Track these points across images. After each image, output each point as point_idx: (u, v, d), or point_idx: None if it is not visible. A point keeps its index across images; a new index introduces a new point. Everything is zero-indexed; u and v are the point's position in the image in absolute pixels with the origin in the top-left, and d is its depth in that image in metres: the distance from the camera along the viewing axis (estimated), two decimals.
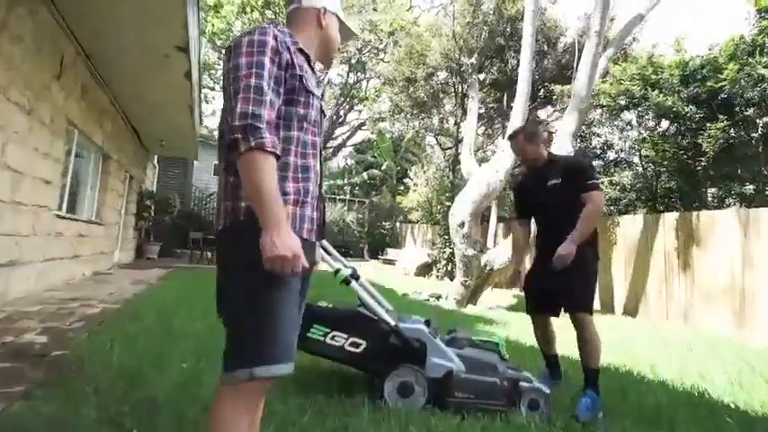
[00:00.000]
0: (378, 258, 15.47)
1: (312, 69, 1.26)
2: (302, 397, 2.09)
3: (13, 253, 4.07)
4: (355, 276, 2.52)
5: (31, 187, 4.33)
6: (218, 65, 22.58)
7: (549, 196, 2.44)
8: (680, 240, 6.52)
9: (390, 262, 14.14)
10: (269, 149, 0.98)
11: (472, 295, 6.86)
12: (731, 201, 6.73)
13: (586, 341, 2.24)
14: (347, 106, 25.56)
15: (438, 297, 7.55)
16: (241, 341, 1.02)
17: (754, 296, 5.57)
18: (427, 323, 2.47)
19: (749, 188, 6.19)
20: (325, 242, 2.65)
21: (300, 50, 1.21)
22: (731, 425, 2.08)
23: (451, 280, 8.74)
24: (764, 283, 5.46)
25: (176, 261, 10.56)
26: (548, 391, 2.12)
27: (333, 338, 2.20)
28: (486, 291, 7.17)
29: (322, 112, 1.32)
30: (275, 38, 1.09)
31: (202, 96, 23.47)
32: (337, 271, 2.20)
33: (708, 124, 6.00)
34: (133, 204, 9.99)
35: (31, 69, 4.12)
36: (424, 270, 11.78)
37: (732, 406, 2.43)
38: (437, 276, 11.28)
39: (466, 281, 6.74)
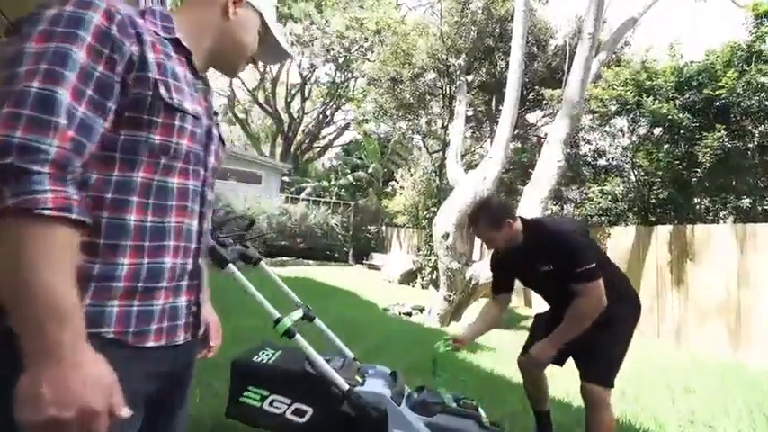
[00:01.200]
0: (363, 263, 15.01)
1: (196, 74, 0.81)
2: None
3: None
4: (309, 317, 2.09)
5: None
6: None
7: (546, 282, 2.00)
8: (673, 254, 6.22)
9: (375, 267, 13.70)
10: (52, 213, 0.54)
11: (456, 311, 6.47)
12: (725, 214, 6.46)
13: (597, 424, 1.79)
14: (334, 106, 25.14)
15: (421, 310, 7.15)
16: None
17: (751, 314, 5.28)
18: (393, 375, 2.04)
19: (746, 201, 5.92)
20: (266, 268, 2.22)
21: (173, 42, 0.75)
22: None
23: (437, 289, 8.36)
24: (762, 302, 5.18)
25: None
26: None
27: (272, 404, 1.75)
28: (472, 305, 6.79)
29: (218, 141, 0.87)
30: (108, 16, 0.63)
31: None
32: (277, 321, 1.75)
33: (704, 133, 5.71)
34: None
35: None
36: (409, 278, 11.37)
37: None
38: (422, 285, 10.88)
39: (450, 295, 6.35)
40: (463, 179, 6.88)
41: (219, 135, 0.90)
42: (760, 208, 5.75)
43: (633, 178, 7.39)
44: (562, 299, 1.90)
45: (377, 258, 14.51)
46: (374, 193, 18.01)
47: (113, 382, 0.57)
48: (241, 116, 26.72)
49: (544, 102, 9.76)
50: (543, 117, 11.40)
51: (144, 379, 0.69)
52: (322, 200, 16.58)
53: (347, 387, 1.72)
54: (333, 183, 19.55)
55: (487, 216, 1.89)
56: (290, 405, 1.75)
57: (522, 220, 1.94)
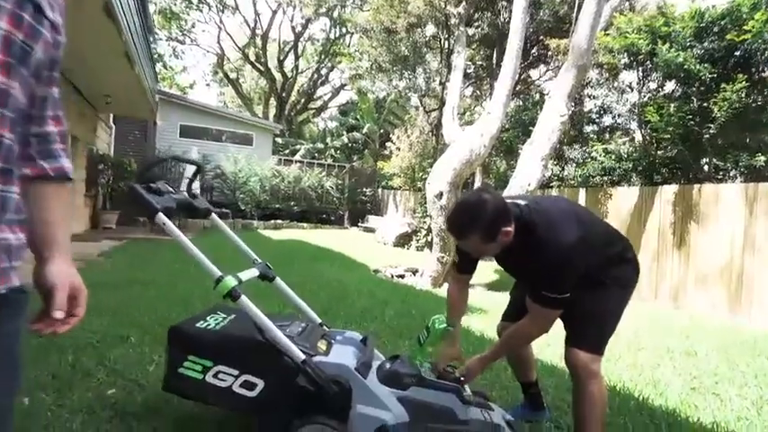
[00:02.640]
0: (358, 226, 14.79)
1: None
2: None
3: None
4: (268, 277, 1.81)
5: None
6: (187, 13, 20.63)
7: (523, 270, 1.71)
8: (677, 215, 5.93)
9: (371, 230, 13.48)
10: None
11: (449, 272, 6.26)
12: (735, 173, 6.11)
13: (586, 398, 1.52)
14: (329, 64, 23.99)
15: (415, 272, 6.97)
16: None
17: (753, 279, 5.07)
18: (364, 341, 1.79)
19: (761, 159, 5.55)
20: (217, 220, 1.92)
21: None
22: None
23: (431, 251, 8.15)
24: (764, 266, 4.95)
25: (135, 231, 9.66)
26: None
27: (217, 376, 1.50)
28: None
29: (22, 44, 0.59)
30: None
31: (168, 49, 21.50)
32: (219, 281, 1.46)
33: (723, 84, 5.23)
34: (81, 169, 8.92)
35: None
36: (404, 240, 11.16)
37: None
38: (417, 247, 10.69)
39: (442, 257, 6.11)
40: (459, 136, 6.46)
41: (26, 33, 0.55)
42: None
43: (640, 136, 6.96)
44: None
45: (372, 221, 14.27)
46: (370, 155, 17.51)
47: None
48: (232, 75, 25.56)
49: (549, 55, 9.11)
50: (547, 72, 10.74)
51: None
52: (317, 161, 16.08)
53: (303, 357, 1.45)
54: (328, 144, 18.96)
55: (482, 227, 1.42)
56: (237, 377, 1.50)
57: (517, 216, 1.49)
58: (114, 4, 4.57)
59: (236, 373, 1.50)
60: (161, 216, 1.48)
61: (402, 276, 6.80)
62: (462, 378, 1.60)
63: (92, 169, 9.33)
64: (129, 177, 10.43)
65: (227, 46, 24.03)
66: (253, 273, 1.73)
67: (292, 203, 14.22)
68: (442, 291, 5.62)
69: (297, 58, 23.60)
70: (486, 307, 4.46)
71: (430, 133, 13.33)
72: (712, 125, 5.47)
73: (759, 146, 5.77)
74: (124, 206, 10.48)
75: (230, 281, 1.46)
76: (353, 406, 1.46)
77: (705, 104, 5.60)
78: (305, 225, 13.83)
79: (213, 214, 1.95)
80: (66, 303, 0.69)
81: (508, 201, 1.53)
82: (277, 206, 13.89)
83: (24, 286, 0.66)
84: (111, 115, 11.31)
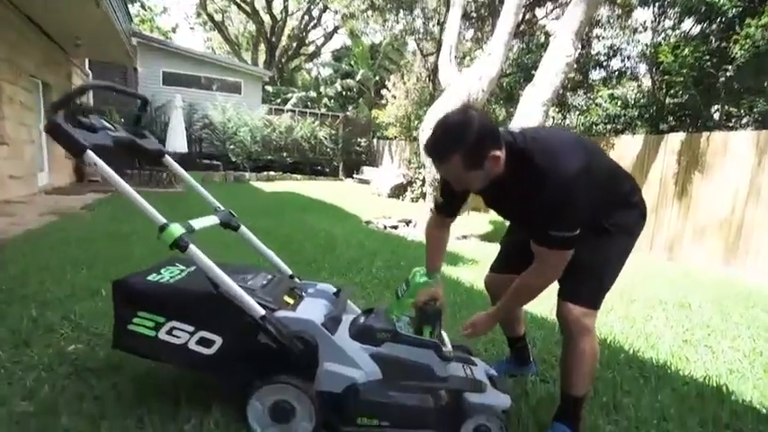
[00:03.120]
0: (353, 177, 14.51)
1: None
2: (121, 423, 1.32)
3: None
4: (231, 226, 1.63)
5: None
6: None
7: (518, 214, 1.46)
8: (681, 165, 5.70)
9: (366, 181, 13.23)
10: None
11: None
12: (748, 120, 5.78)
13: (575, 355, 1.37)
14: (320, 4, 22.33)
15: (408, 222, 6.85)
16: None
17: (753, 230, 4.96)
18: (337, 294, 1.65)
19: None
20: (171, 162, 1.70)
21: None
22: None
23: (426, 202, 7.98)
24: (765, 217, 4.81)
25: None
26: (506, 404, 1.39)
27: (171, 333, 1.36)
28: (461, 215, 6.44)
29: None
30: None
31: None
32: (162, 228, 1.27)
33: (747, 20, 4.77)
34: None
35: None
36: (399, 191, 10.96)
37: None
38: (412, 199, 10.51)
39: None
40: (456, 80, 6.03)
41: None
42: None
43: (649, 81, 6.53)
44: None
45: (367, 172, 13.98)
46: (364, 104, 16.80)
47: None
48: (217, 18, 23.85)
49: None
50: (554, 10, 9.94)
51: None
52: (309, 111, 15.43)
53: (262, 313, 1.29)
54: (321, 93, 18.12)
55: (465, 148, 1.17)
56: (193, 334, 1.35)
57: (509, 143, 1.26)
58: None
59: (191, 329, 1.36)
60: (90, 155, 1.25)
61: (395, 227, 6.68)
62: (467, 332, 1.46)
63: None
64: (135, 122, 9.97)
65: None
66: (211, 220, 1.54)
67: (285, 155, 13.83)
68: None
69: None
70: (479, 258, 4.36)
71: (427, 79, 12.67)
72: (730, 66, 5.07)
73: None
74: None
75: (176, 229, 1.27)
76: (320, 363, 1.34)
77: (724, 44, 5.15)
78: (298, 177, 13.54)
79: (167, 156, 1.72)
80: None
81: (501, 129, 1.29)
82: (269, 158, 13.50)
83: None
84: (87, 61, 10.59)
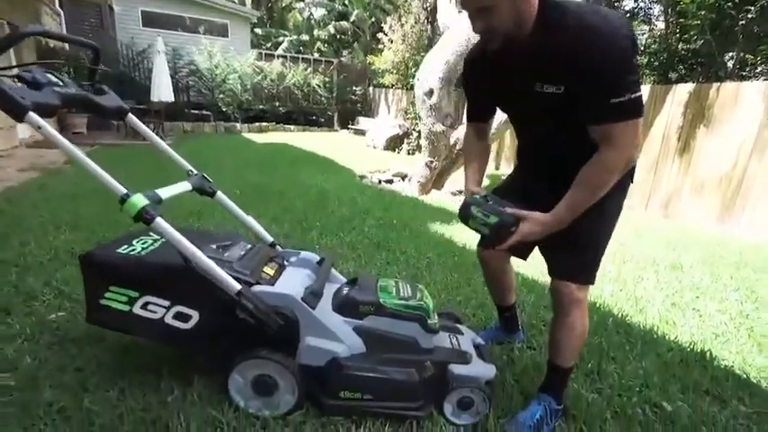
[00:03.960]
0: (348, 128, 14.09)
1: None
2: (103, 396, 1.30)
3: None
4: (206, 192, 1.53)
5: None
6: None
7: (536, 106, 1.17)
8: (686, 119, 5.49)
9: (362, 132, 12.85)
10: None
11: (438, 178, 6.01)
12: (765, 68, 5.47)
13: (566, 328, 1.32)
14: None
15: (403, 177, 6.72)
16: None
17: (752, 185, 4.88)
18: (320, 263, 1.59)
19: None
20: (135, 122, 1.56)
21: None
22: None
23: (421, 155, 7.79)
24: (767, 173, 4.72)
25: (107, 136, 9.00)
26: (490, 374, 1.39)
27: (146, 307, 1.31)
28: (455, 172, 6.30)
29: None
30: None
31: None
32: (123, 200, 1.17)
33: None
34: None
35: None
36: (395, 143, 10.68)
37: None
38: (408, 151, 10.27)
39: (431, 161, 5.79)
40: (455, 22, 5.60)
41: None
42: None
43: (662, 25, 6.09)
44: (558, 147, 1.26)
45: (363, 123, 13.55)
46: (360, 49, 15.89)
47: None
48: None
49: None
50: None
51: None
52: (301, 56, 14.61)
53: (237, 288, 1.23)
54: (314, 36, 17.07)
55: None
56: (169, 308, 1.30)
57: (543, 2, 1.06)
58: None
59: (167, 303, 1.30)
60: (33, 117, 1.12)
61: (390, 182, 6.55)
62: (512, 229, 1.21)
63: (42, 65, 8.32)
64: (92, 75, 9.41)
65: None
66: (182, 187, 1.44)
67: (277, 104, 13.28)
68: (429, 198, 5.44)
69: None
70: None
71: (426, 21, 11.87)
72: (752, 8, 4.69)
73: None
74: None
75: (138, 200, 1.17)
76: (302, 338, 1.30)
77: None
78: (292, 128, 13.12)
79: (131, 115, 1.57)
80: None
81: None
82: (261, 107, 12.97)
83: None
84: None
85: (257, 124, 12.29)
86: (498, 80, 1.25)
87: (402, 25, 12.31)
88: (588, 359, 1.70)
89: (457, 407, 1.35)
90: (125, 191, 1.18)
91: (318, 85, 13.85)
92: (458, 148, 5.74)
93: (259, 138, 10.35)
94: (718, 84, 5.20)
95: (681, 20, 5.52)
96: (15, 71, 1.27)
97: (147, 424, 1.22)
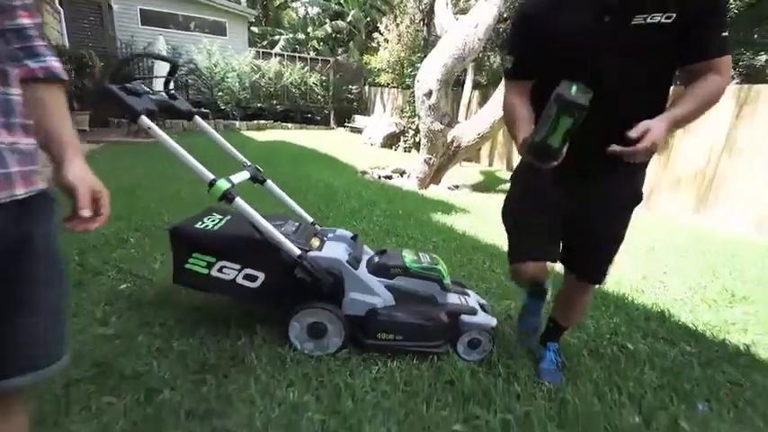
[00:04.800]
0: (345, 126, 14.40)
1: None
2: (187, 342, 1.64)
3: None
4: (258, 180, 1.87)
5: None
6: None
7: (629, 46, 1.09)
8: None
9: (358, 130, 13.18)
10: None
11: (436, 173, 6.38)
12: (734, 74, 5.93)
13: (580, 309, 1.64)
14: None
15: (402, 173, 7.07)
16: None
17: (723, 182, 5.34)
18: (354, 239, 1.94)
19: (762, 58, 5.36)
20: (201, 123, 1.90)
21: None
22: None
23: (419, 152, 8.16)
24: (737, 169, 5.17)
25: (111, 133, 9.20)
26: (493, 323, 1.75)
27: (221, 270, 1.65)
28: (451, 168, 6.68)
29: None
30: None
31: None
32: (212, 184, 1.51)
33: None
34: None
35: None
36: (391, 141, 11.02)
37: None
38: (405, 149, 10.63)
39: (430, 158, 6.16)
40: (453, 27, 5.96)
41: None
42: None
43: None
44: (616, 97, 1.12)
45: (359, 121, 13.86)
46: (355, 48, 16.18)
47: None
48: None
49: None
50: None
51: None
52: (298, 55, 14.86)
53: (298, 253, 1.58)
54: (309, 34, 17.30)
55: None
56: (240, 271, 1.64)
57: None
58: None
59: (238, 267, 1.65)
60: (144, 120, 1.45)
61: (389, 177, 6.90)
62: (637, 138, 1.04)
63: None
64: (92, 73, 9.58)
65: None
66: (244, 175, 1.78)
67: (275, 102, 13.53)
68: (429, 192, 5.80)
69: None
70: (470, 206, 4.68)
71: (421, 22, 12.21)
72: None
73: (764, 43, 5.53)
74: (94, 106, 9.80)
75: (223, 183, 1.51)
76: (347, 293, 1.66)
77: None
78: (289, 125, 13.39)
79: (197, 116, 1.91)
80: (89, 202, 0.73)
81: None
82: (259, 105, 13.22)
83: (50, 189, 0.70)
84: None
85: (255, 122, 12.54)
86: (579, 23, 1.12)
87: (397, 25, 12.66)
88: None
89: (467, 346, 1.72)
90: (212, 177, 1.52)
91: (315, 84, 14.13)
92: (454, 145, 6.12)
93: (258, 135, 10.61)
94: None
95: None
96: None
97: (228, 360, 1.57)
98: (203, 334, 1.71)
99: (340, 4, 16.88)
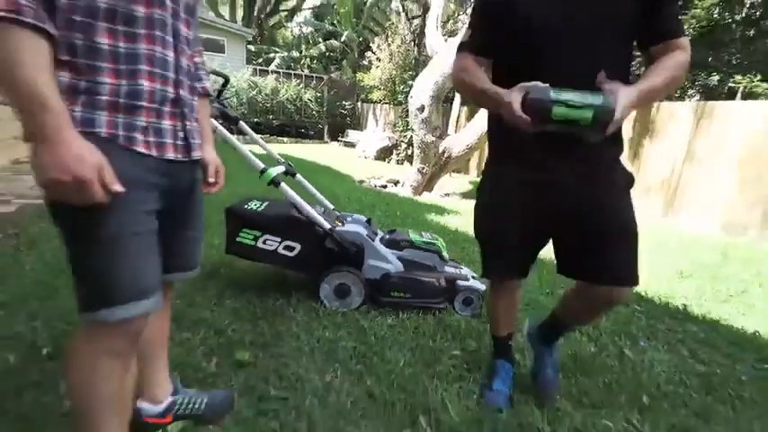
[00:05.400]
0: (338, 140, 14.92)
1: None
2: (237, 301, 2.03)
3: None
4: (290, 173, 2.29)
5: None
6: None
7: (599, 19, 1.11)
8: (636, 131, 6.56)
9: (351, 144, 13.70)
10: (4, 14, 0.66)
11: (428, 182, 6.86)
12: (693, 92, 6.63)
13: (598, 317, 1.56)
14: None
15: (396, 183, 7.54)
16: (78, 282, 0.83)
17: (686, 188, 5.93)
18: (368, 221, 2.36)
19: (714, 78, 6.05)
20: (245, 127, 2.33)
21: None
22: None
23: (411, 164, 8.65)
24: (697, 176, 5.77)
25: None
26: (482, 288, 2.17)
27: (265, 242, 2.05)
28: (443, 177, 7.18)
29: None
30: None
31: None
32: (263, 171, 1.93)
33: (695, 1, 5.48)
34: None
35: None
36: (384, 154, 11.55)
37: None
38: (397, 161, 11.14)
39: (423, 168, 6.65)
40: (442, 48, 6.55)
41: None
42: (726, 87, 5.91)
43: None
44: (573, 66, 1.11)
45: (352, 135, 14.40)
46: (348, 66, 16.87)
47: (101, 161, 0.74)
48: None
49: None
50: None
51: (144, 179, 0.85)
52: (293, 72, 15.46)
53: (329, 226, 2.00)
54: (303, 53, 17.98)
55: None
56: (280, 242, 2.05)
57: None
58: None
59: (278, 239, 2.05)
60: (212, 121, 1.87)
61: (384, 186, 7.36)
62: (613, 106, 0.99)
63: None
64: (218, 95, 9.88)
65: None
66: (280, 169, 2.20)
67: (271, 117, 14.02)
68: (422, 198, 6.26)
69: None
70: (461, 209, 5.15)
71: (412, 42, 12.92)
72: None
73: (718, 65, 6.23)
74: None
75: (272, 171, 1.93)
76: (366, 260, 2.07)
77: None
78: (285, 139, 13.85)
79: (241, 122, 2.33)
80: (214, 174, 1.14)
81: None
82: (255, 120, 13.69)
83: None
84: None
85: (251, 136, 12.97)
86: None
87: (389, 45, 13.35)
88: (546, 287, 2.52)
89: (462, 303, 2.14)
90: (263, 166, 1.94)
91: (310, 100, 14.69)
92: (445, 156, 6.63)
93: (257, 148, 11.00)
94: (658, 103, 6.29)
95: None
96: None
97: (271, 310, 1.95)
98: (249, 296, 2.09)
99: (333, 24, 17.65)
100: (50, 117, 0.69)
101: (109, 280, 0.81)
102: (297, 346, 1.68)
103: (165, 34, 0.85)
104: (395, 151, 11.39)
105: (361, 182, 7.18)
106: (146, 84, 0.83)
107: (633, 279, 1.23)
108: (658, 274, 3.01)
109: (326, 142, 15.00)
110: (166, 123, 0.89)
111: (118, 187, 0.76)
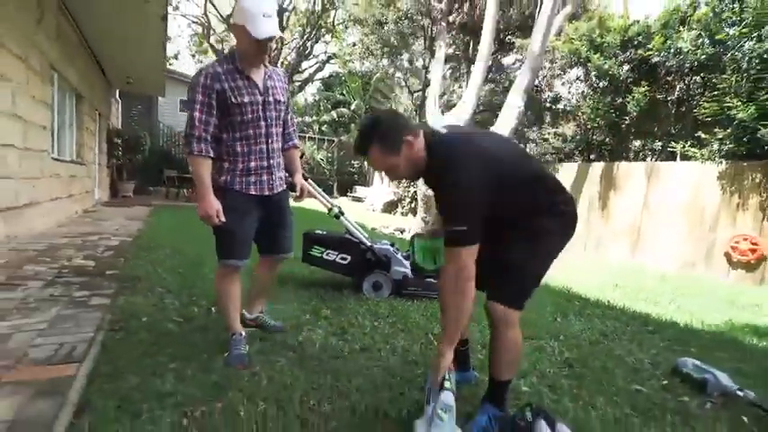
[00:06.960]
0: (347, 196, 16.36)
1: (248, 77, 1.86)
2: (310, 292, 3.12)
3: (33, 194, 4.61)
4: (342, 212, 3.49)
5: (35, 134, 4.68)
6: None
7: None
8: (602, 186, 7.86)
9: (359, 199, 15.09)
10: (195, 153, 1.82)
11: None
12: (647, 154, 8.05)
13: (504, 348, 1.52)
14: (314, 38, 24.54)
15: (402, 231, 8.73)
16: (217, 248, 1.98)
17: (646, 232, 7.10)
18: (392, 245, 3.51)
19: (657, 144, 7.48)
20: (314, 186, 3.56)
21: (232, 71, 1.84)
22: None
23: (415, 216, 9.89)
24: (653, 222, 6.96)
25: (152, 199, 10.75)
26: None
27: (327, 255, 3.19)
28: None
29: (274, 102, 1.94)
30: (207, 76, 1.78)
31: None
32: (330, 210, 3.12)
33: (635, 87, 7.04)
34: (104, 143, 9.91)
35: (19, 16, 4.15)
36: (390, 207, 12.87)
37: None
38: (402, 213, 12.43)
39: (425, 217, 7.87)
40: (440, 121, 8.07)
41: (265, 101, 1.93)
42: (669, 151, 7.30)
43: (582, 122, 8.79)
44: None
45: (360, 191, 15.86)
46: (357, 130, 18.76)
47: (218, 207, 1.83)
48: (217, 46, 25.73)
49: (516, 49, 10.67)
50: (516, 62, 12.33)
51: (254, 207, 1.97)
52: (307, 135, 17.33)
53: (370, 244, 3.17)
54: (315, 118, 20.11)
55: (381, 137, 1.44)
56: (337, 255, 3.19)
57: (429, 134, 1.50)
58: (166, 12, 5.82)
59: (336, 253, 3.19)
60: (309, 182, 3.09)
61: (392, 234, 8.55)
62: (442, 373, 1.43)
63: (110, 143, 10.34)
64: (144, 150, 11.47)
65: (213, 16, 24.12)
66: (336, 210, 3.40)
67: (286, 175, 15.50)
68: None
69: (282, 29, 23.98)
70: None
71: (414, 112, 14.80)
72: (627, 117, 7.33)
73: (661, 133, 7.69)
74: (137, 176, 11.60)
75: (336, 209, 3.12)
76: (392, 267, 3.19)
77: (624, 101, 7.42)
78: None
79: (310, 179, 3.58)
80: (299, 191, 2.24)
81: (423, 124, 2.04)
82: None
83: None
84: (117, 90, 12.14)
85: None
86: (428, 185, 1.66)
87: None
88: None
89: None
90: (330, 205, 3.13)
91: (322, 159, 16.38)
92: None
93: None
94: (618, 163, 7.66)
95: (588, 122, 8.18)
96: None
97: (324, 298, 3.03)
98: (313, 295, 3.17)
99: (342, 93, 19.96)
100: (203, 188, 1.79)
101: (227, 249, 1.93)
102: (354, 311, 2.76)
103: (264, 138, 1.96)
104: (399, 204, 12.73)
105: (373, 229, 8.38)
106: (253, 164, 1.95)
107: (502, 300, 1.50)
108: (602, 286, 4.10)
109: (336, 197, 16.43)
110: (264, 179, 2.00)
111: (223, 219, 1.84)
